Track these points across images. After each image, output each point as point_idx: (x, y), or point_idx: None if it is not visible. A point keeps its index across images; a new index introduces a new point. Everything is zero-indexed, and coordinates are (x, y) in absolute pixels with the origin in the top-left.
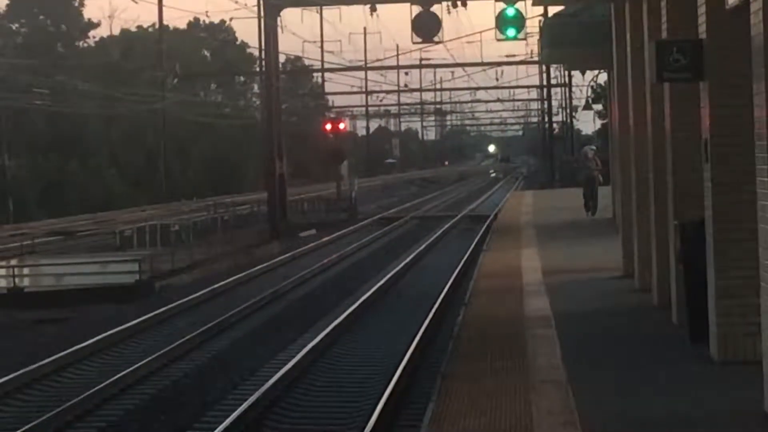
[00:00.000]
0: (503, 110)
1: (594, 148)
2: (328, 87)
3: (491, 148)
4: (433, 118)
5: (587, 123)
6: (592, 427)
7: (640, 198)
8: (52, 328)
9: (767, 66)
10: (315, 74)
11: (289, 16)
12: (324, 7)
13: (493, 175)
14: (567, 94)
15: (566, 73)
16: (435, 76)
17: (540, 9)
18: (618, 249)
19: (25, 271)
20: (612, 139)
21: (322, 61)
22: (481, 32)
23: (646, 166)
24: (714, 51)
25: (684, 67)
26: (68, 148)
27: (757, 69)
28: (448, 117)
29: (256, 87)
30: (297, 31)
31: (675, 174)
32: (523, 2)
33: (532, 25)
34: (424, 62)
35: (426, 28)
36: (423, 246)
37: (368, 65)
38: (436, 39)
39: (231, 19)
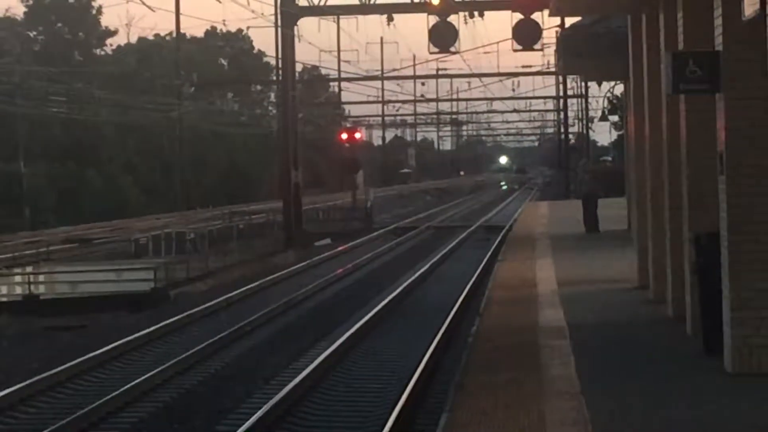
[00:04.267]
0: (519, 121)
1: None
2: (345, 96)
3: (503, 160)
4: (449, 128)
5: (603, 134)
6: None
7: (655, 209)
8: (67, 336)
9: None
10: (331, 83)
11: (306, 25)
12: (341, 17)
13: (505, 187)
14: (583, 105)
15: (583, 84)
16: (451, 86)
17: (557, 20)
18: (633, 260)
19: (41, 278)
20: (628, 150)
21: (339, 70)
22: (497, 43)
23: (662, 178)
24: (730, 63)
25: (700, 79)
26: (85, 155)
27: None
28: (464, 127)
29: (272, 96)
30: (314, 40)
31: (690, 185)
32: (540, 13)
33: (549, 36)
34: (440, 72)
35: (443, 38)
36: (438, 256)
37: (385, 75)
38: (452, 49)
39: (248, 28)
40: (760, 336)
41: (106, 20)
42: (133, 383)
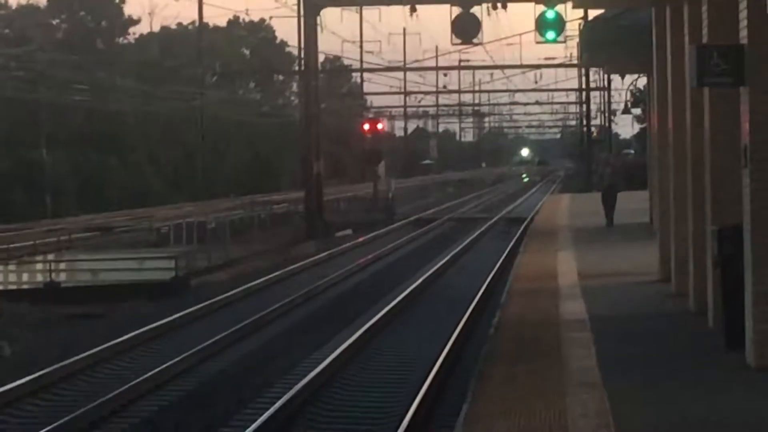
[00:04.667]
0: (541, 113)
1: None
2: (367, 87)
3: (524, 152)
4: (471, 120)
5: (626, 127)
6: (627, 431)
7: (677, 202)
8: (88, 324)
9: None
10: (354, 74)
11: (329, 15)
12: (364, 7)
13: (526, 179)
14: (606, 98)
15: (605, 76)
16: (474, 77)
17: (580, 12)
18: (655, 253)
19: (62, 266)
20: (650, 143)
21: (361, 61)
22: (520, 34)
23: (685, 171)
24: (755, 56)
25: (725, 72)
26: (107, 144)
27: None
28: (486, 119)
29: (294, 86)
30: (336, 30)
31: (713, 179)
32: (563, 5)
33: (572, 28)
34: (463, 64)
35: (465, 29)
36: (459, 247)
37: (407, 66)
38: (475, 41)
39: (271, 18)
40: None
41: (129, 9)
42: (152, 372)
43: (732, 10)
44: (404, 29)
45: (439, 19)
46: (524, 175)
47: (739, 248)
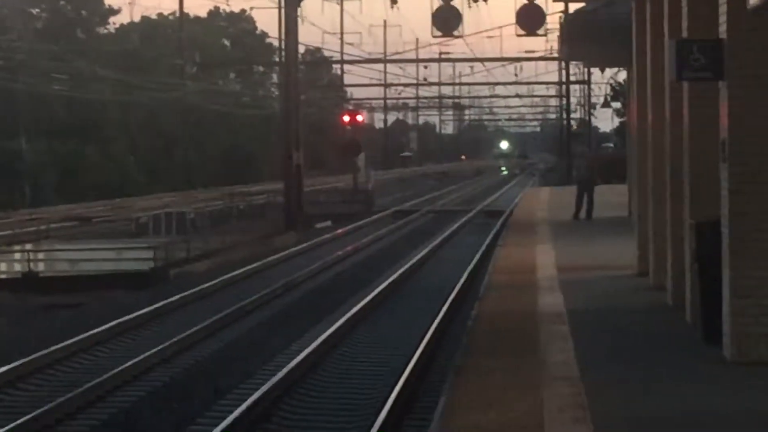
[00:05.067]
0: (521, 106)
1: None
2: (347, 79)
3: (503, 145)
4: (451, 113)
5: (605, 121)
6: (603, 424)
7: (656, 196)
8: (66, 314)
9: None
10: (334, 66)
11: (310, 6)
12: None
13: (505, 173)
14: (586, 91)
15: (586, 70)
16: (454, 70)
17: (561, 5)
18: (633, 247)
19: (41, 256)
20: (630, 137)
21: (342, 52)
22: (501, 27)
23: (664, 165)
24: (734, 51)
25: (704, 67)
26: (86, 134)
27: None
28: (466, 111)
29: (275, 77)
30: (317, 22)
31: (692, 173)
32: None
33: (553, 21)
34: (443, 56)
35: (446, 21)
36: (438, 240)
37: (387, 58)
38: (456, 33)
39: (251, 9)
40: (760, 324)
41: None
42: (130, 362)
43: (712, 5)
44: (385, 21)
45: (419, 11)
46: (503, 168)
47: (717, 243)
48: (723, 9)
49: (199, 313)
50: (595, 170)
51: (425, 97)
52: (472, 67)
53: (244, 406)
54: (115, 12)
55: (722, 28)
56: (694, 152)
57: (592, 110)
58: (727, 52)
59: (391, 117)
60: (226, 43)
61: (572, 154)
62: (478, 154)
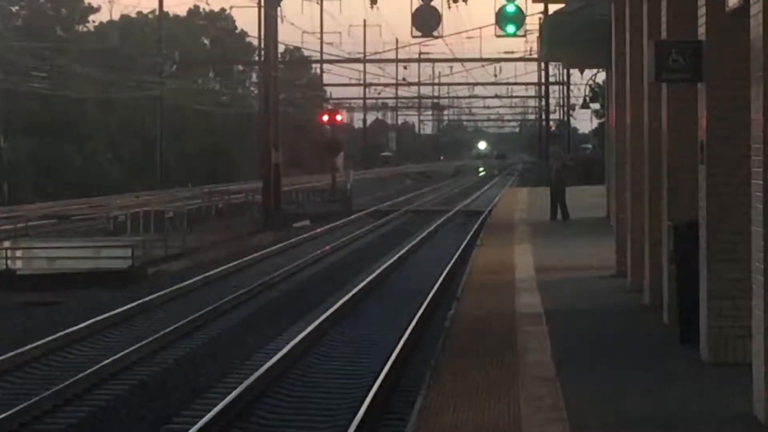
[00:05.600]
0: (501, 106)
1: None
2: (327, 78)
3: (481, 146)
4: (430, 113)
5: (584, 122)
6: (580, 425)
7: (634, 198)
8: (44, 312)
9: (766, 69)
10: (314, 65)
11: (290, 6)
12: None
13: (483, 173)
14: (565, 92)
15: (565, 71)
16: (433, 70)
17: (540, 6)
18: (611, 248)
19: (18, 253)
20: (608, 138)
21: (321, 52)
22: (480, 28)
23: (642, 166)
24: (713, 53)
25: (683, 68)
26: (65, 132)
27: (755, 72)
28: (446, 112)
29: (254, 76)
30: (297, 21)
31: (670, 175)
32: None
33: (532, 22)
34: (422, 56)
35: (426, 22)
36: (417, 239)
37: (367, 58)
38: (435, 33)
39: (231, 8)
40: (737, 326)
41: None
42: (107, 361)
43: (691, 6)
44: (365, 21)
45: (399, 11)
46: (481, 169)
47: (694, 244)
48: (702, 11)
49: (177, 312)
50: (562, 172)
51: (404, 97)
52: (451, 68)
53: (220, 406)
54: (94, 10)
55: (701, 30)
56: (672, 154)
57: (571, 111)
58: (706, 54)
59: (371, 117)
60: (206, 42)
61: (548, 154)
62: (457, 154)
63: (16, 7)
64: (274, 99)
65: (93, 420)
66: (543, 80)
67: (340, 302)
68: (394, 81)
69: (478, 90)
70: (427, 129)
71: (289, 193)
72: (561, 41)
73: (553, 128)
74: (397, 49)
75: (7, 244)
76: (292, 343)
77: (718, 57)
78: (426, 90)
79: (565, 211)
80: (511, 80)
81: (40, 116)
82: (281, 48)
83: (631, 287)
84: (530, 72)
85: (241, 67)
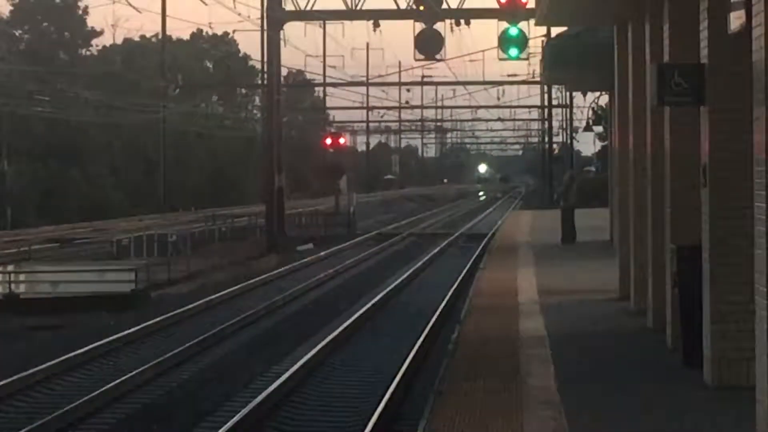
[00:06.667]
0: (504, 129)
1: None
2: (330, 102)
3: (482, 169)
4: (433, 136)
5: (587, 144)
6: None
7: (637, 221)
8: (47, 335)
9: None
10: (317, 88)
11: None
12: (327, 22)
13: (483, 198)
14: (568, 115)
15: (567, 94)
16: (436, 93)
17: (543, 29)
18: (614, 271)
19: (22, 277)
20: (611, 161)
21: (324, 75)
22: (483, 51)
23: (645, 189)
24: (715, 76)
25: (685, 91)
26: (68, 155)
27: (758, 94)
28: (449, 135)
29: (257, 99)
30: (300, 44)
31: (673, 198)
32: (526, 22)
33: (535, 45)
34: (425, 79)
35: (429, 45)
36: (420, 263)
37: (370, 81)
38: (438, 56)
39: (234, 32)
40: (740, 349)
41: (92, 20)
42: (111, 384)
43: (693, 29)
44: (367, 44)
45: (402, 34)
46: (481, 193)
47: (697, 267)
48: (704, 34)
49: (181, 336)
50: (574, 194)
51: (407, 120)
52: (454, 91)
53: (223, 430)
54: (98, 34)
55: (703, 53)
56: (675, 177)
57: (574, 134)
58: (709, 77)
59: (374, 140)
60: (209, 65)
61: (559, 178)
62: (461, 178)
63: (20, 31)
64: (277, 122)
65: None
66: (546, 103)
67: (344, 325)
68: (397, 104)
69: (481, 113)
70: (431, 152)
71: (292, 217)
72: (563, 64)
73: (557, 151)
74: (400, 72)
75: (10, 267)
76: (293, 369)
77: (721, 80)
78: (429, 113)
79: (573, 233)
80: (514, 103)
81: (44, 140)
82: (284, 71)
83: (634, 310)
84: (533, 95)
85: (244, 91)
